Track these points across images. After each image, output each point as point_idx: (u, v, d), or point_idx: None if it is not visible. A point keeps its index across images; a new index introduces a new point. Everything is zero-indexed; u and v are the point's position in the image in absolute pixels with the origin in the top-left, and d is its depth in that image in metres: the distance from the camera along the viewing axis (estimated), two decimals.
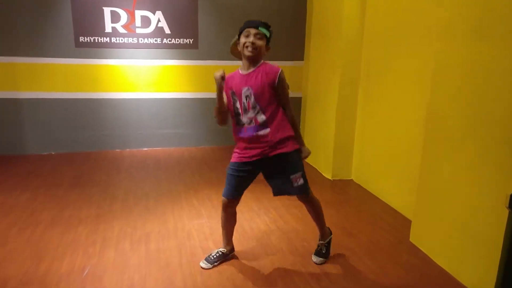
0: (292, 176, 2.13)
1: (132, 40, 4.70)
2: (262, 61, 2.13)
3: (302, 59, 5.10)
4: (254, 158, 2.14)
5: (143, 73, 4.83)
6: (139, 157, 4.66)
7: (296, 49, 5.09)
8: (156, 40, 4.76)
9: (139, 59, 4.77)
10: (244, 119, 2.13)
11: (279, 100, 2.13)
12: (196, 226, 2.87)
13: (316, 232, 2.46)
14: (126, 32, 4.66)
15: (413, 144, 2.96)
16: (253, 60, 2.10)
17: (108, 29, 4.60)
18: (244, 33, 2.08)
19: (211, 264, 2.33)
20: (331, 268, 2.35)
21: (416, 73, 2.95)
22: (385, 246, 2.63)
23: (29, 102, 4.58)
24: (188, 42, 4.84)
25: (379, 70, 3.48)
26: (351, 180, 4.00)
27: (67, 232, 2.73)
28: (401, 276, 2.28)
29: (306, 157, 2.25)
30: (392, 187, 3.32)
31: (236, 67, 2.21)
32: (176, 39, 4.82)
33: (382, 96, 3.44)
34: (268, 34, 2.10)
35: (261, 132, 2.10)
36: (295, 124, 2.21)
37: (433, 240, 2.47)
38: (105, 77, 4.73)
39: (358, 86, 3.82)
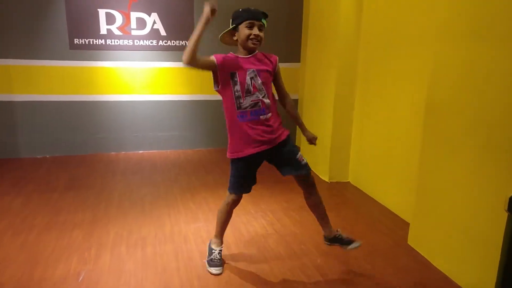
0: (297, 156, 2.21)
1: (128, 42, 4.67)
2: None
3: (298, 61, 5.09)
4: (264, 148, 2.14)
5: (138, 75, 4.80)
6: (135, 160, 4.63)
7: (292, 51, 5.10)
8: (151, 42, 4.74)
9: (134, 61, 4.74)
10: (247, 102, 2.08)
11: (275, 86, 2.25)
12: (193, 229, 2.85)
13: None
14: (122, 34, 4.63)
15: (411, 145, 2.95)
16: (253, 50, 2.13)
17: (103, 31, 4.56)
18: (247, 23, 2.04)
19: (222, 267, 2.32)
20: (328, 271, 2.34)
21: (414, 73, 2.94)
22: (383, 249, 2.62)
23: (23, 105, 4.54)
24: (184, 44, 4.81)
25: (377, 71, 3.48)
26: (348, 182, 3.99)
27: (62, 237, 2.69)
28: (399, 279, 2.27)
29: (315, 139, 2.39)
30: (390, 189, 3.31)
31: None
32: (172, 41, 4.80)
33: (380, 97, 3.44)
34: (266, 24, 2.13)
35: (267, 116, 2.13)
36: (296, 109, 2.36)
37: (432, 243, 2.46)
38: (100, 79, 4.69)
39: (355, 87, 3.82)
